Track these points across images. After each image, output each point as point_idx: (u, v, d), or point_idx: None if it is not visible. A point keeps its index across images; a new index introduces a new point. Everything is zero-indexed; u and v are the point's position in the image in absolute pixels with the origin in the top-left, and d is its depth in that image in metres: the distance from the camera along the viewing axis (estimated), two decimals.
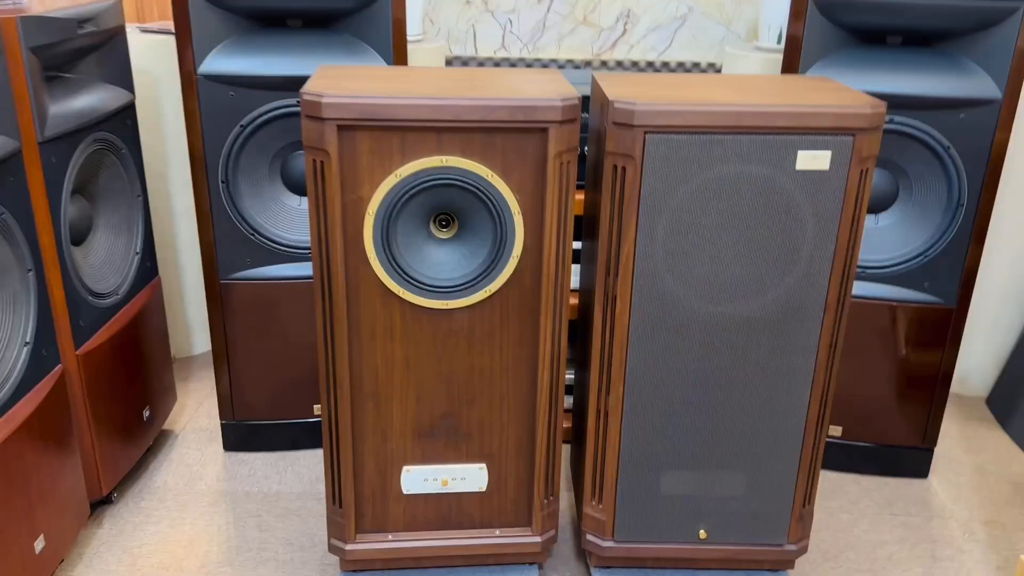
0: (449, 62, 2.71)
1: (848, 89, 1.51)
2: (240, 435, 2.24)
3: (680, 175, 1.41)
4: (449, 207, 1.45)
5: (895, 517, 2.08)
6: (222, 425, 2.23)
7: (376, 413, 1.56)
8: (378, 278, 1.46)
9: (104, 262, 1.97)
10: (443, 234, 1.48)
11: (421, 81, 1.47)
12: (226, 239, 2.03)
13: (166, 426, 2.36)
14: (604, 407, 1.58)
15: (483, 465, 1.63)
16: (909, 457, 2.20)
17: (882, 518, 2.07)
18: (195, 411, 2.45)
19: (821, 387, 1.56)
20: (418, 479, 1.62)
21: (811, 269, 1.47)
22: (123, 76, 1.99)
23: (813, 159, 1.40)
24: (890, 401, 2.14)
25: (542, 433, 1.59)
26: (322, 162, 1.38)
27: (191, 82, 1.90)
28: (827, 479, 2.22)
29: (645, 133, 1.38)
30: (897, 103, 1.89)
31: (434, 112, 1.35)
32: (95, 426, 1.87)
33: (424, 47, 2.41)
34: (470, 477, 1.63)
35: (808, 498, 1.66)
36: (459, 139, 1.39)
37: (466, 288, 1.48)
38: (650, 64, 2.73)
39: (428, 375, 1.55)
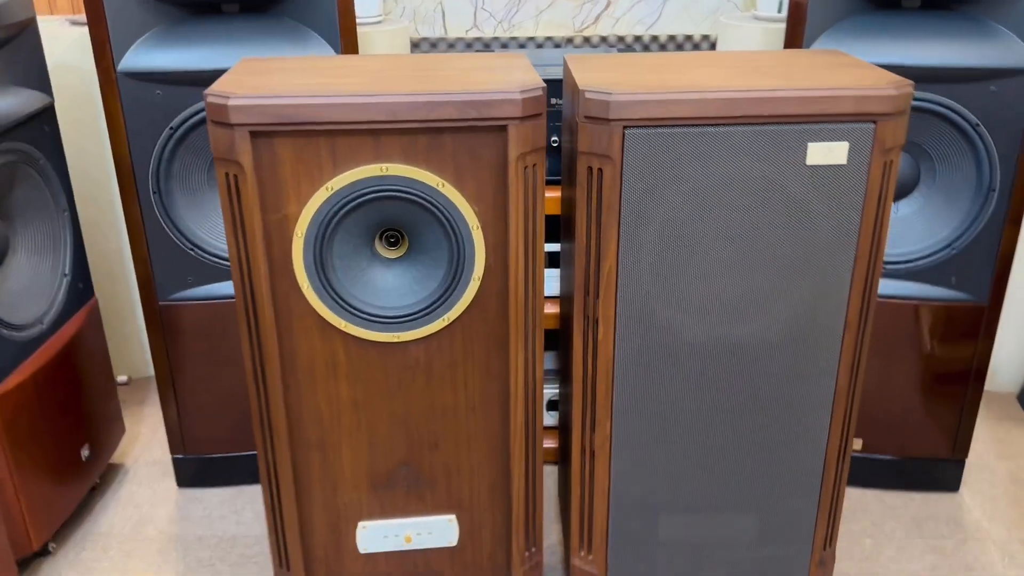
0: (416, 45, 2.46)
1: (865, 65, 1.27)
2: (194, 470, 2.02)
3: (668, 177, 1.17)
4: (396, 222, 1.22)
5: (925, 540, 1.85)
6: (174, 460, 2.01)
7: (323, 462, 1.34)
8: (313, 309, 1.23)
9: (26, 288, 1.74)
10: (391, 253, 1.25)
11: (357, 73, 1.23)
12: (163, 256, 1.80)
13: (115, 459, 2.15)
14: (590, 445, 1.36)
15: (452, 517, 1.40)
16: (938, 469, 1.98)
17: (910, 542, 1.85)
18: (149, 440, 2.23)
19: (842, 416, 1.33)
20: (377, 536, 1.40)
21: (827, 282, 1.24)
22: (37, 76, 1.75)
23: (827, 152, 1.16)
24: (915, 410, 1.91)
25: (518, 478, 1.37)
26: (235, 176, 1.14)
27: (110, 81, 1.66)
28: (848, 497, 1.99)
29: (624, 128, 1.15)
30: (917, 76, 1.64)
31: (368, 111, 1.11)
32: (18, 475, 1.65)
33: (384, 29, 2.17)
34: (437, 531, 1.41)
35: (829, 540, 1.44)
36: (401, 142, 1.15)
37: (420, 316, 1.25)
38: (638, 39, 2.48)
39: (381, 417, 1.32)
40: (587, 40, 2.47)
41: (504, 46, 2.44)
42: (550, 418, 2.02)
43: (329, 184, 1.16)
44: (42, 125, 1.76)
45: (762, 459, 1.35)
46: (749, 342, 1.28)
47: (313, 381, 1.28)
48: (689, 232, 1.21)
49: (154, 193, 1.75)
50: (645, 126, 1.15)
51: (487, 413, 1.34)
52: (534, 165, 1.19)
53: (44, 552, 1.82)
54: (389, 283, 1.25)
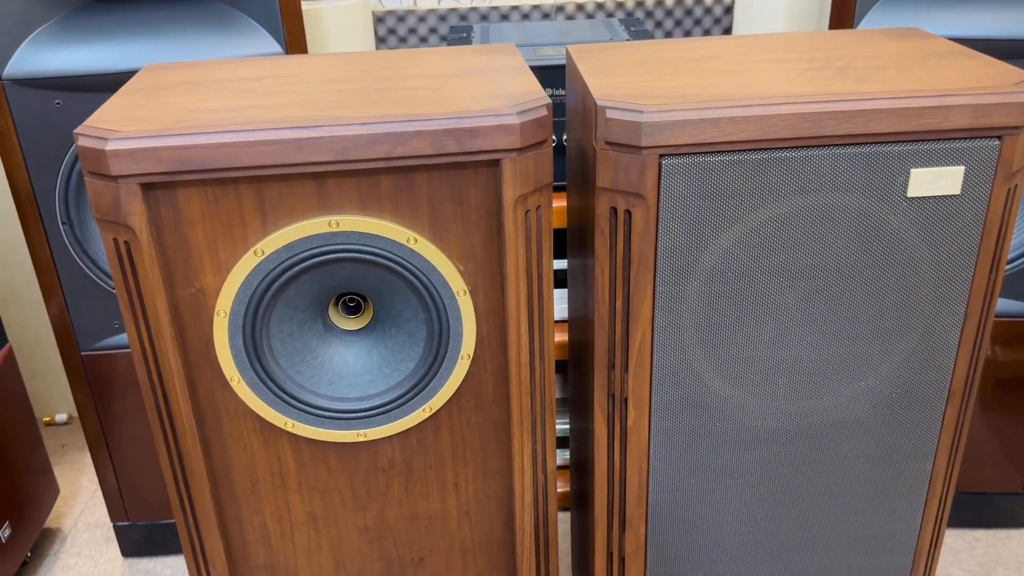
0: (379, 19, 2.11)
1: (972, 54, 0.96)
2: (140, 538, 1.72)
3: (721, 217, 0.86)
4: (356, 288, 0.91)
5: None
6: (115, 527, 1.71)
7: None
8: (249, 408, 0.93)
9: None
10: (351, 324, 0.94)
11: (294, 87, 0.91)
12: (82, 298, 1.48)
13: (53, 524, 1.84)
14: (618, 551, 1.06)
15: None
16: (1006, 505, 1.71)
17: None
18: (91, 496, 1.92)
19: (937, 504, 1.04)
20: None
21: (928, 344, 0.94)
22: None
23: (935, 180, 0.85)
24: (981, 439, 1.63)
25: None
26: (126, 243, 0.83)
27: None
28: None
29: (660, 157, 0.83)
30: (1005, 51, 1.33)
31: (307, 149, 0.79)
32: None
33: (341, 5, 1.82)
34: None
35: None
36: (355, 186, 0.84)
37: (393, 408, 0.95)
38: (639, 4, 2.14)
39: (348, 532, 1.02)
40: (580, 7, 2.13)
41: (484, 17, 2.10)
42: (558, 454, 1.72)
43: (258, 247, 0.84)
44: None
45: (838, 560, 1.06)
46: (824, 423, 0.98)
47: (256, 496, 0.98)
48: (746, 288, 0.90)
49: (64, 224, 1.42)
50: (690, 153, 0.83)
51: (486, 519, 1.04)
52: (538, 207, 0.88)
53: None
54: (349, 365, 0.94)
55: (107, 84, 1.34)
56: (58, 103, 1.34)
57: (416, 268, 0.88)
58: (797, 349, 0.94)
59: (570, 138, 1.10)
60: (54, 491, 1.78)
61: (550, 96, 1.48)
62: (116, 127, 0.79)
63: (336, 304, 0.94)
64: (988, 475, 1.67)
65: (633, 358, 0.94)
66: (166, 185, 0.81)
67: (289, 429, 0.94)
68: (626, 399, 0.96)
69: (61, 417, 2.18)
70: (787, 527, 1.04)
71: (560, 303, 1.64)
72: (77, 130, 0.80)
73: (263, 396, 0.92)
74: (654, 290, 0.90)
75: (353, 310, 0.95)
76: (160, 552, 1.74)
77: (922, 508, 1.04)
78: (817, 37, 1.05)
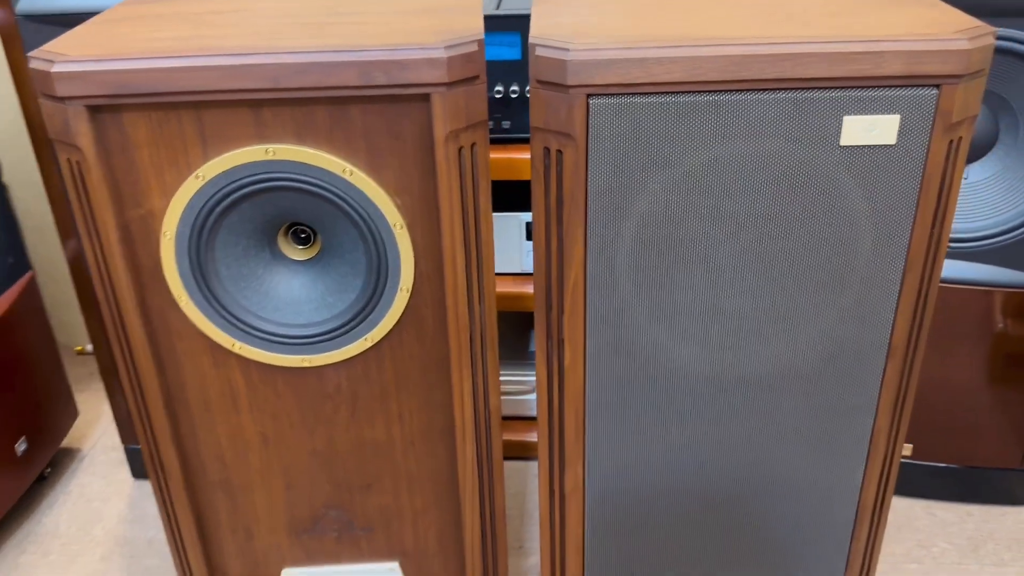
0: None
1: (936, 4, 0.94)
2: None
3: (651, 160, 0.87)
4: (300, 217, 0.94)
5: (982, 567, 1.56)
6: (127, 450, 1.80)
7: (231, 506, 1.10)
8: (197, 328, 0.97)
9: None
10: (301, 254, 0.98)
11: (249, 19, 0.94)
12: None
13: (73, 444, 1.95)
14: (559, 488, 1.09)
15: (394, 565, 1.16)
16: (1002, 480, 1.67)
17: (965, 569, 1.56)
18: (111, 422, 2.03)
19: (881, 462, 1.04)
20: None
21: (867, 296, 0.93)
22: None
23: (869, 128, 0.84)
24: (980, 412, 1.60)
25: (472, 527, 1.11)
26: (78, 163, 0.87)
27: (10, 25, 1.39)
28: (893, 510, 1.70)
29: (588, 97, 0.84)
30: (994, 8, 1.29)
31: (237, 76, 0.83)
32: None
33: None
34: None
35: None
36: (291, 116, 0.87)
37: (337, 336, 0.99)
38: None
39: (298, 455, 1.07)
40: None
41: None
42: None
43: (200, 171, 0.88)
44: None
45: (778, 511, 1.07)
46: (762, 371, 0.98)
47: (209, 413, 1.03)
48: (680, 231, 0.90)
49: None
50: (617, 94, 0.84)
51: (431, 449, 1.08)
52: (472, 145, 0.90)
53: None
54: (296, 293, 0.98)
55: None
56: None
57: (353, 200, 0.91)
58: (731, 297, 0.94)
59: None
60: (73, 413, 1.88)
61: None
62: (65, 52, 0.83)
63: (287, 234, 0.98)
64: (986, 449, 1.64)
65: (567, 300, 0.95)
66: (112, 108, 0.85)
67: (236, 351, 0.98)
68: (562, 340, 0.98)
69: (91, 348, 2.28)
70: (726, 475, 1.05)
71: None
72: (30, 54, 0.84)
73: (210, 317, 0.96)
74: (586, 232, 0.91)
75: (304, 241, 0.98)
76: None
77: (863, 464, 1.03)
78: None
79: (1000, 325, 1.52)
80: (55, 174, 1.51)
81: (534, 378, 1.71)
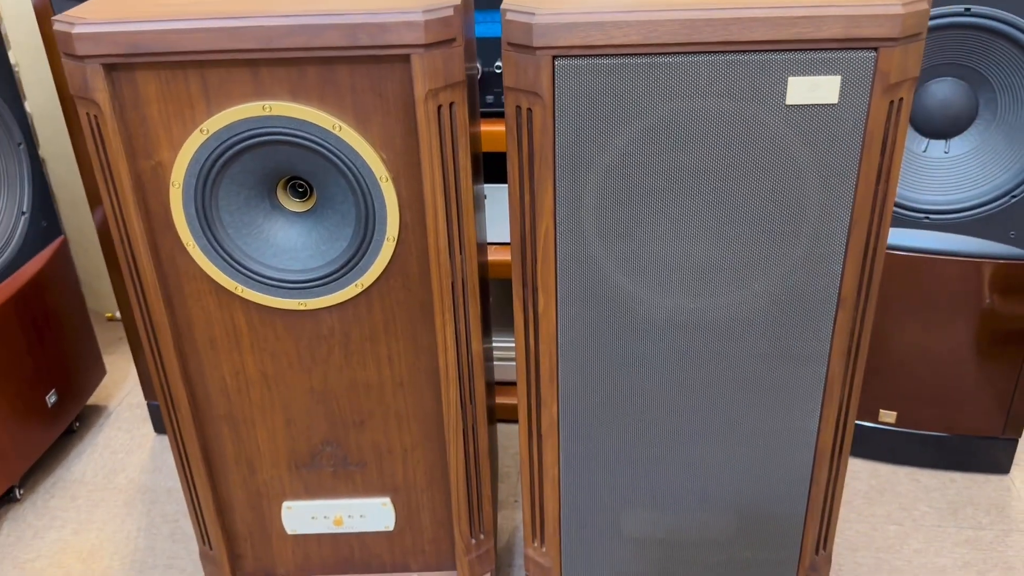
0: None
1: None
2: None
3: (612, 117, 0.95)
4: (295, 171, 1.04)
5: (960, 530, 1.62)
6: (148, 405, 1.92)
7: (235, 439, 1.20)
8: (204, 272, 1.07)
9: None
10: (299, 206, 1.07)
11: None
12: None
13: (100, 402, 2.07)
14: (536, 429, 1.17)
15: (387, 499, 1.25)
16: (986, 448, 1.72)
17: (943, 531, 1.62)
18: (136, 383, 2.14)
19: (837, 408, 1.11)
20: (303, 517, 1.26)
21: (816, 249, 1.00)
22: None
23: (812, 89, 0.91)
24: (963, 381, 1.65)
25: (457, 463, 1.20)
26: (95, 117, 0.97)
27: (45, 5, 1.50)
28: (875, 474, 1.76)
29: (553, 58, 0.92)
30: None
31: (235, 37, 0.92)
32: None
33: None
34: (371, 514, 1.26)
35: (823, 543, 1.23)
36: (285, 75, 0.96)
37: (329, 281, 1.08)
38: None
39: (296, 392, 1.16)
40: None
41: None
42: None
43: (204, 126, 0.98)
44: None
45: (739, 452, 1.15)
46: (720, 317, 1.06)
47: (214, 351, 1.13)
48: (641, 184, 0.98)
49: None
50: (581, 56, 0.92)
51: (418, 390, 1.16)
52: (451, 104, 0.98)
53: (11, 498, 1.76)
54: (292, 241, 1.07)
55: None
56: None
57: (342, 153, 1.00)
58: (689, 247, 1.02)
59: None
60: (101, 372, 2.00)
61: None
62: (84, 15, 0.93)
63: (285, 188, 1.07)
64: (970, 418, 1.69)
65: (540, 249, 1.04)
66: (125, 67, 0.95)
67: (239, 293, 1.08)
68: (536, 288, 1.06)
69: (120, 314, 2.41)
70: (691, 417, 1.13)
71: None
72: (54, 18, 0.94)
73: (215, 262, 1.06)
74: (554, 184, 0.99)
75: (301, 195, 1.07)
76: None
77: (819, 408, 1.10)
78: None
79: (982, 295, 1.57)
80: (85, 145, 1.61)
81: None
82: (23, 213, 1.72)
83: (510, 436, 1.91)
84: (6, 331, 1.65)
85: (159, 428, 1.95)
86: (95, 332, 1.98)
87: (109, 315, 2.41)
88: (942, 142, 1.53)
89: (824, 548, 1.23)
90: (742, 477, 1.17)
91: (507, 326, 1.91)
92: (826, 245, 1.00)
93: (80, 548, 1.66)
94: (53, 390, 1.81)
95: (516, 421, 1.94)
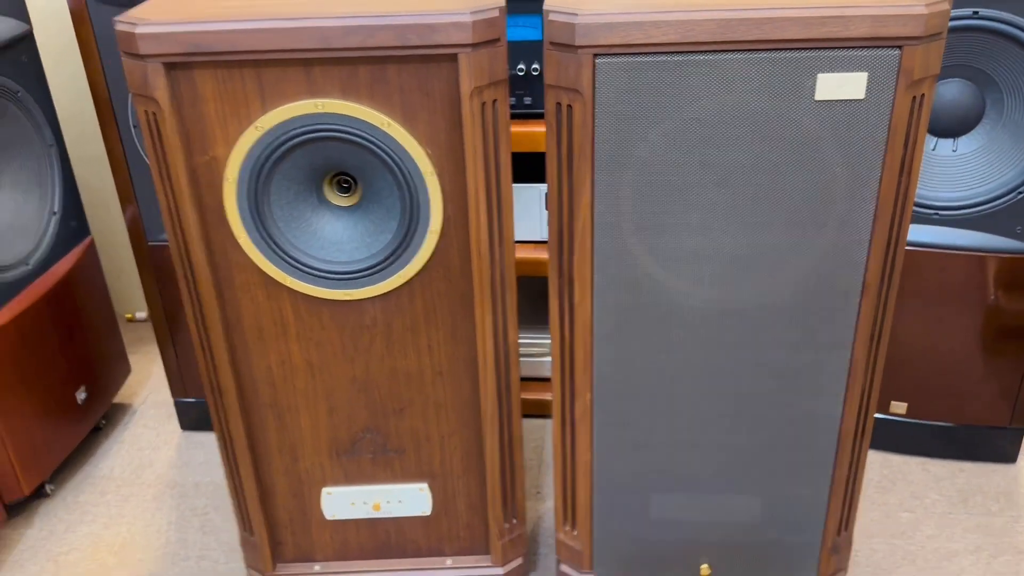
0: None
1: None
2: (197, 414, 1.96)
3: (650, 113, 1.00)
4: (343, 166, 1.08)
5: (971, 517, 1.67)
6: (176, 403, 1.96)
7: (279, 427, 1.24)
8: (254, 263, 1.11)
9: (9, 227, 1.67)
10: (344, 201, 1.12)
11: None
12: (150, 194, 1.71)
13: (124, 399, 2.11)
14: (570, 416, 1.22)
15: (424, 485, 1.29)
16: (993, 438, 1.77)
17: (954, 518, 1.67)
18: (161, 381, 2.18)
19: (860, 392, 1.16)
20: (343, 503, 1.30)
21: (842, 239, 1.05)
22: (9, 2, 1.65)
23: (840, 85, 0.96)
24: (971, 373, 1.70)
25: (492, 450, 1.24)
26: (154, 114, 1.02)
27: (80, 5, 1.55)
28: (887, 464, 1.81)
29: (594, 57, 0.97)
30: None
31: (291, 38, 0.97)
32: (3, 420, 1.61)
33: None
34: (408, 499, 1.30)
35: (844, 524, 1.28)
36: (338, 74, 1.00)
37: (373, 273, 1.12)
38: None
39: (339, 381, 1.21)
40: None
41: None
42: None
43: (258, 123, 1.02)
44: (19, 55, 1.66)
45: (766, 437, 1.19)
46: (749, 306, 1.10)
47: (262, 341, 1.17)
48: (676, 178, 1.03)
49: (134, 127, 1.64)
50: (620, 54, 0.97)
51: (456, 379, 1.21)
52: (494, 101, 1.03)
53: (42, 494, 1.80)
54: (339, 234, 1.12)
55: None
56: None
57: (390, 149, 1.04)
58: (720, 238, 1.06)
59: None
60: (126, 370, 2.04)
61: None
62: (146, 16, 0.98)
63: (331, 183, 1.11)
64: (977, 409, 1.74)
65: (577, 241, 1.08)
66: (184, 66, 0.99)
67: (288, 284, 1.12)
68: (572, 279, 1.11)
69: (141, 315, 2.45)
70: (719, 403, 1.17)
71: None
72: (116, 18, 0.99)
73: (265, 254, 1.10)
74: (592, 178, 1.04)
75: (346, 190, 1.12)
76: (213, 428, 1.97)
77: (843, 393, 1.15)
78: None
79: (989, 289, 1.62)
80: (118, 144, 1.66)
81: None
82: (54, 213, 1.77)
83: (528, 430, 1.95)
84: (40, 328, 1.69)
85: (185, 425, 1.98)
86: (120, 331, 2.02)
87: (129, 315, 2.45)
88: (950, 141, 1.58)
89: (845, 529, 1.28)
90: (768, 460, 1.21)
91: (525, 323, 1.96)
92: (852, 235, 1.05)
93: (112, 541, 1.69)
94: (83, 387, 1.85)
95: (535, 416, 1.98)
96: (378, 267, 1.12)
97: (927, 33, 0.94)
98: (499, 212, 1.09)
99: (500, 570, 1.34)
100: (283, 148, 1.03)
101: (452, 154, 1.05)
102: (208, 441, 1.96)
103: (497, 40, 0.99)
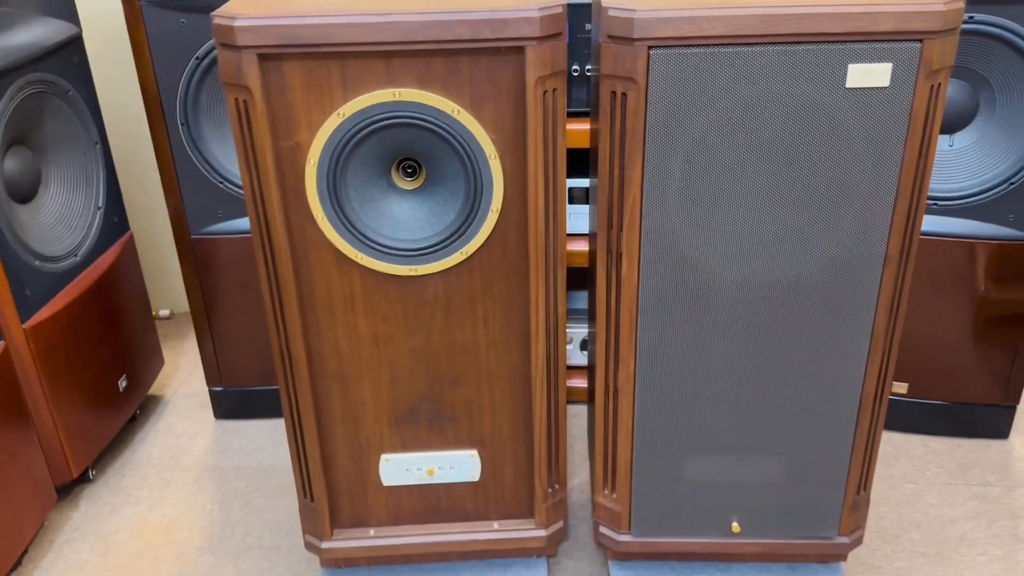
0: None
1: None
2: (231, 402, 2.04)
3: (697, 101, 1.11)
4: (412, 151, 1.18)
5: (969, 487, 1.79)
6: (211, 392, 2.03)
7: (344, 396, 1.33)
8: (329, 241, 1.21)
9: (59, 221, 1.75)
10: (408, 184, 1.22)
11: None
12: (193, 190, 1.79)
13: (155, 391, 2.18)
14: (613, 384, 1.32)
15: (474, 452, 1.39)
16: (987, 415, 1.90)
17: (954, 488, 1.79)
18: (189, 373, 2.26)
19: (880, 358, 1.27)
20: (399, 469, 1.39)
21: (867, 214, 1.17)
22: (62, 5, 1.73)
23: (867, 74, 1.08)
24: (966, 354, 1.83)
25: (540, 416, 1.34)
26: (244, 102, 1.11)
27: (134, 9, 1.64)
28: (890, 442, 1.93)
29: (649, 48, 1.08)
30: None
31: (376, 32, 1.07)
32: (55, 404, 1.68)
33: None
34: (460, 466, 1.39)
35: (864, 484, 1.39)
36: (413, 66, 1.10)
37: (437, 250, 1.22)
38: None
39: (401, 352, 1.30)
40: None
41: None
42: (582, 357, 1.98)
43: (340, 110, 1.12)
44: (70, 56, 1.74)
45: (794, 400, 1.30)
46: (783, 278, 1.21)
47: (331, 314, 1.26)
48: (719, 160, 1.14)
49: (182, 125, 1.73)
50: (672, 46, 1.08)
51: (508, 350, 1.31)
52: (554, 90, 1.13)
53: (85, 479, 1.87)
54: (406, 214, 1.21)
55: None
56: (183, 21, 1.64)
57: (459, 134, 1.14)
58: (758, 216, 1.17)
59: (593, 68, 1.35)
60: (160, 361, 2.11)
61: (583, 31, 1.73)
62: (239, 11, 1.07)
63: (398, 168, 1.21)
64: (972, 388, 1.87)
65: (626, 219, 1.19)
66: (275, 57, 1.09)
67: (359, 261, 1.22)
68: (620, 254, 1.22)
69: (164, 313, 2.53)
70: (748, 371, 1.28)
71: (583, 218, 1.88)
72: (214, 12, 1.08)
73: (340, 232, 1.20)
74: (643, 161, 1.15)
75: (410, 173, 1.22)
76: (248, 416, 2.05)
77: (865, 357, 1.26)
78: None
79: (984, 274, 1.75)
80: (165, 142, 1.74)
81: (576, 331, 1.94)
82: (99, 208, 1.85)
83: None
84: (86, 317, 1.77)
85: (219, 414, 2.06)
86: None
87: (154, 313, 2.53)
88: (947, 136, 1.71)
89: (864, 489, 1.39)
90: (796, 424, 1.32)
91: None
92: (876, 212, 1.17)
93: (158, 522, 1.76)
94: (124, 375, 1.92)
95: None
96: (442, 244, 1.21)
97: (945, 28, 1.06)
98: (555, 192, 1.19)
99: (543, 531, 1.43)
100: (362, 134, 1.13)
101: (514, 138, 1.16)
102: (243, 428, 2.04)
103: (559, 34, 1.10)
